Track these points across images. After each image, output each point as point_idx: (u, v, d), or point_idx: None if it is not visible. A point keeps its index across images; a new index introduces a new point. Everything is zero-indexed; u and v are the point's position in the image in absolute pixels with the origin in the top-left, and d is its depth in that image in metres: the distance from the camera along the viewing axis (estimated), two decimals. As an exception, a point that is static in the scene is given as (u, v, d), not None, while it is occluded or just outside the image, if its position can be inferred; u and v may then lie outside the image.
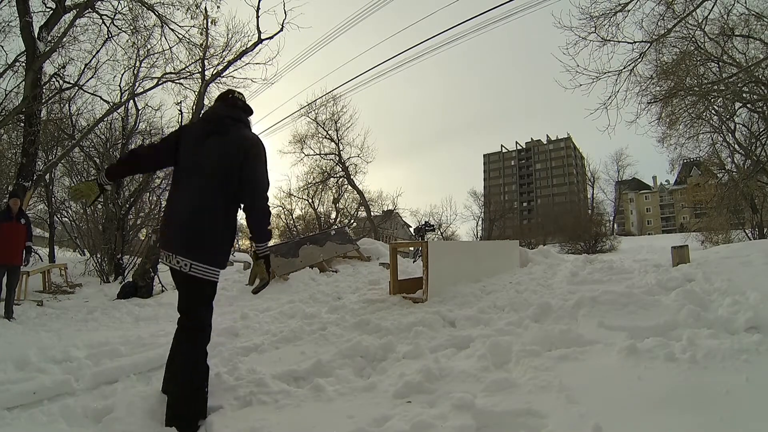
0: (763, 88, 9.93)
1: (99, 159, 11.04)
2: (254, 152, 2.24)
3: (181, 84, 11.13)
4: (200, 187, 2.18)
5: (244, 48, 11.45)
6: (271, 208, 2.34)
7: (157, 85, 10.73)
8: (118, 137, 11.71)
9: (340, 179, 23.70)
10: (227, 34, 11.57)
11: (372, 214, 24.57)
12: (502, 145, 79.26)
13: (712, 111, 11.77)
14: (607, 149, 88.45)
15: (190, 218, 2.14)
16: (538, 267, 5.48)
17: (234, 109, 2.40)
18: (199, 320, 2.22)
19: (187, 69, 11.11)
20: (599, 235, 30.85)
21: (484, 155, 79.97)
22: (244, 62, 11.77)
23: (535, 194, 73.38)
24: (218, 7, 11.01)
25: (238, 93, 2.51)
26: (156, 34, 10.40)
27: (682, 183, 34.85)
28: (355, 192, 23.82)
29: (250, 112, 2.48)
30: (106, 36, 9.72)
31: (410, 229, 27.17)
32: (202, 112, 2.58)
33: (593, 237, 29.66)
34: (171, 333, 2.34)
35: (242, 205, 2.24)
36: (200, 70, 11.41)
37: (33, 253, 6.06)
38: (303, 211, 26.45)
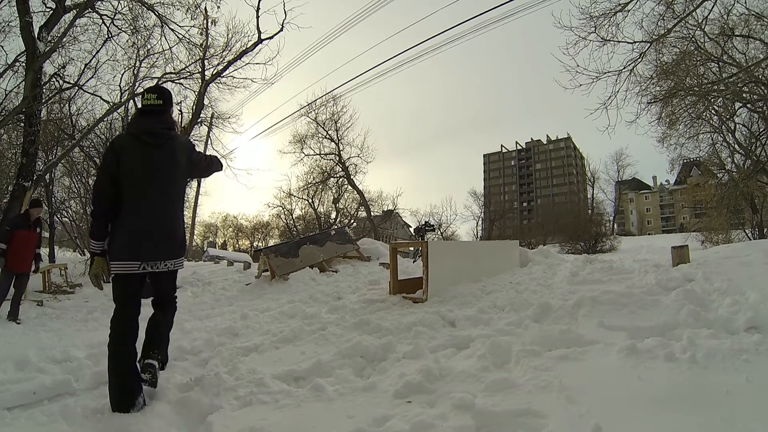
0: (763, 88, 9.92)
1: (99, 159, 11.04)
2: (196, 153, 2.71)
3: (181, 84, 11.16)
4: (167, 198, 2.48)
5: (244, 48, 11.47)
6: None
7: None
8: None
9: (340, 179, 23.70)
10: (227, 34, 11.58)
11: (372, 214, 24.57)
12: (502, 145, 79.30)
13: (712, 111, 11.76)
14: (607, 149, 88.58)
15: (171, 228, 2.49)
16: (538, 267, 5.47)
17: (160, 120, 2.52)
18: (174, 298, 2.73)
19: (187, 69, 11.12)
20: (599, 235, 30.97)
21: (484, 155, 79.97)
22: (244, 62, 11.80)
23: (535, 194, 73.32)
24: (218, 7, 11.04)
25: (156, 102, 2.50)
26: (156, 34, 10.40)
27: (682, 183, 34.82)
28: (355, 192, 23.83)
29: (169, 103, 2.61)
30: (106, 36, 9.71)
31: (410, 229, 27.15)
32: (129, 124, 2.71)
33: (593, 237, 29.76)
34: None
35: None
36: (200, 70, 11.43)
37: (41, 260, 6.12)
38: (303, 211, 26.52)
